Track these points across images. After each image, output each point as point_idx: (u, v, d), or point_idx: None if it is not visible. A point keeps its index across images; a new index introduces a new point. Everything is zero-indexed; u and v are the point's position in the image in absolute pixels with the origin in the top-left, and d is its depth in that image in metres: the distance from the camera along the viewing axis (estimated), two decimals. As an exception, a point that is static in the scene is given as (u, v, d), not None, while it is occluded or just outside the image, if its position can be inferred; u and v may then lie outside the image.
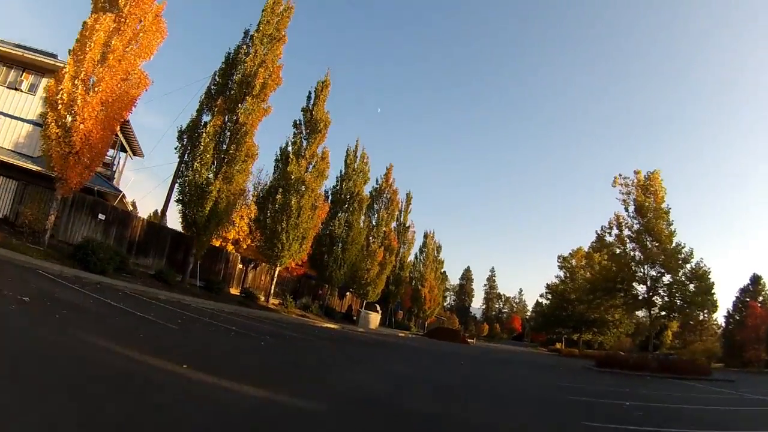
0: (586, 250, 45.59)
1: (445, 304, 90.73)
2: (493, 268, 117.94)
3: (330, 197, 31.46)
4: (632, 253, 26.72)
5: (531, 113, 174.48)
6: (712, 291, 24.63)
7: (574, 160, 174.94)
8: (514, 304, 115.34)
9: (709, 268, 24.92)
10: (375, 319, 35.00)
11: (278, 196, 23.50)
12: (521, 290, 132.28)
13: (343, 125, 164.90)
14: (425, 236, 58.05)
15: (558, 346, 57.79)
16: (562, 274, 51.96)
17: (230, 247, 25.89)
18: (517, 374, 16.60)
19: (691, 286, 25.01)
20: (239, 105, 20.11)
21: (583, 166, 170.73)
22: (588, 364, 24.53)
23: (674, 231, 25.79)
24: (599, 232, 29.36)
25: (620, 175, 26.95)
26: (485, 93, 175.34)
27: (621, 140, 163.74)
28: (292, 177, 23.79)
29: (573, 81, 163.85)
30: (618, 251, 27.80)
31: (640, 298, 26.96)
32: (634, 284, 27.15)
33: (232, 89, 20.30)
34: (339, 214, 31.00)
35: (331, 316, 31.43)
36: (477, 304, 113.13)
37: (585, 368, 22.77)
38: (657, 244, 25.53)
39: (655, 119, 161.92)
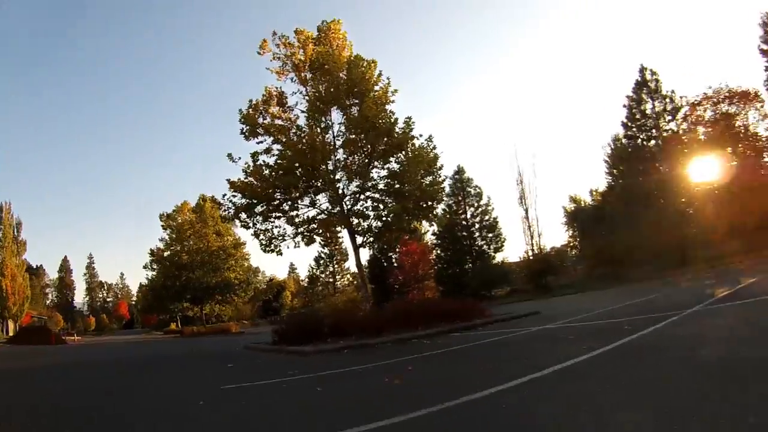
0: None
1: (47, 302, 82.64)
2: (91, 254, 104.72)
3: None
4: (317, 131, 15.33)
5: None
6: (441, 177, 15.35)
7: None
8: (117, 291, 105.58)
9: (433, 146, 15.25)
10: None
11: None
12: (123, 274, 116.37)
13: None
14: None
15: (173, 326, 47.53)
16: (166, 235, 42.68)
17: None
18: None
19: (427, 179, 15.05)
20: None
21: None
22: (255, 342, 14.47)
23: (391, 89, 15.17)
24: (245, 128, 15.67)
25: (277, 34, 15.77)
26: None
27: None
28: None
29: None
30: (293, 138, 15.36)
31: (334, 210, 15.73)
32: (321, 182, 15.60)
33: None
34: None
35: None
36: (81, 297, 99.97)
37: (257, 352, 12.69)
38: (356, 101, 14.89)
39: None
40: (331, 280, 54.41)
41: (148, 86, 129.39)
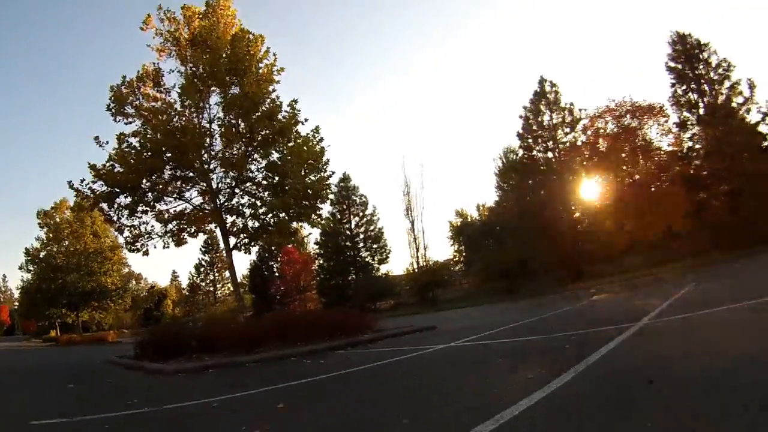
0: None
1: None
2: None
3: None
4: (191, 111, 13.45)
5: None
6: (327, 173, 13.44)
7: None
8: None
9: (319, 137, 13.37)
10: None
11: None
12: (5, 276, 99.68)
13: None
14: None
15: (53, 333, 43.24)
16: (43, 234, 38.35)
17: None
18: None
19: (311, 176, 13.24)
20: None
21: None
22: (119, 356, 11.71)
23: (277, 66, 13.55)
24: (112, 105, 13.41)
25: (162, 8, 13.70)
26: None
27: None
28: None
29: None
30: (163, 116, 13.15)
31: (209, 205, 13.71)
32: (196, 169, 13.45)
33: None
34: None
35: None
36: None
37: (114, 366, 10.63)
38: (237, 79, 12.96)
39: None
40: (211, 288, 50.92)
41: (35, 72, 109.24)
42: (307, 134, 13.34)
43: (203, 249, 50.43)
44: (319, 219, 13.76)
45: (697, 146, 25.74)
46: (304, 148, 12.97)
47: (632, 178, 26.16)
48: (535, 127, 31.03)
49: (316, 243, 41.35)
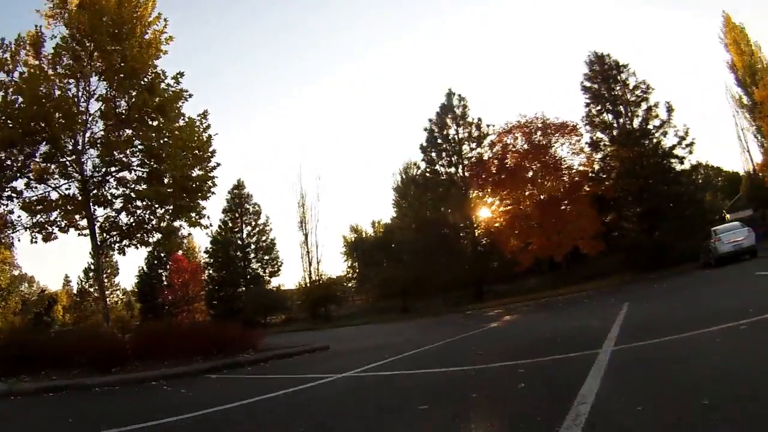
0: None
1: None
2: None
3: None
4: (64, 83, 11.24)
5: None
6: (212, 164, 12.00)
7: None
8: None
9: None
10: None
11: None
12: None
13: None
14: None
15: None
16: None
17: None
18: None
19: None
20: None
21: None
22: None
23: (166, 34, 11.85)
24: None
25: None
26: None
27: None
28: None
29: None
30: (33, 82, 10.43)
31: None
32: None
33: None
34: None
35: None
36: None
37: None
38: (119, 47, 11.02)
39: None
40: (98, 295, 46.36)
41: None
42: (192, 118, 11.77)
43: (97, 253, 45.03)
44: (198, 218, 11.96)
45: (611, 166, 25.18)
46: (188, 134, 11.44)
47: (541, 196, 24.73)
48: (439, 141, 29.96)
49: (206, 251, 39.36)
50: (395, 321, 22.79)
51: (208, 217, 12.30)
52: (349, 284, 44.31)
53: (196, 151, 11.63)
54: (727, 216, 30.76)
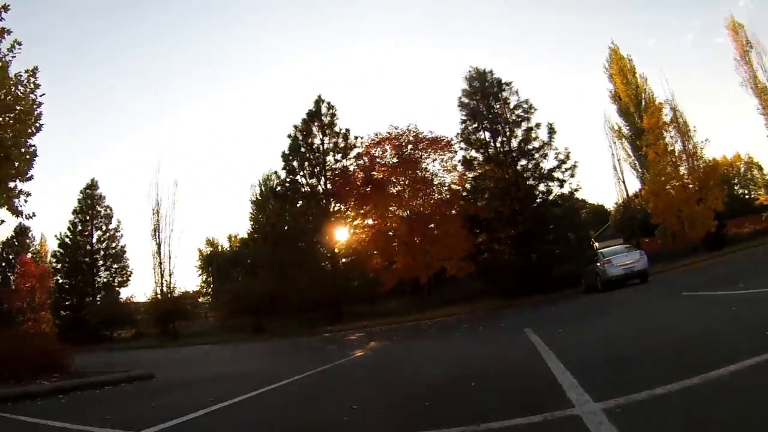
0: None
1: None
2: None
3: None
4: None
5: None
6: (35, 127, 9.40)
7: None
8: None
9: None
10: None
11: None
12: None
13: None
14: None
15: None
16: None
17: None
18: None
19: None
20: None
21: None
22: None
23: None
24: None
25: None
26: None
27: None
28: None
29: None
30: None
31: None
32: None
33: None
34: None
35: None
36: None
37: None
38: None
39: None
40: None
41: None
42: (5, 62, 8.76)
43: None
44: (8, 197, 8.79)
45: (485, 185, 23.91)
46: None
47: (409, 213, 23.34)
48: (303, 149, 27.49)
49: (53, 255, 36.10)
50: (247, 341, 20.99)
51: (25, 200, 9.10)
52: (203, 300, 41.34)
53: (17, 108, 8.91)
54: (596, 245, 31.33)
